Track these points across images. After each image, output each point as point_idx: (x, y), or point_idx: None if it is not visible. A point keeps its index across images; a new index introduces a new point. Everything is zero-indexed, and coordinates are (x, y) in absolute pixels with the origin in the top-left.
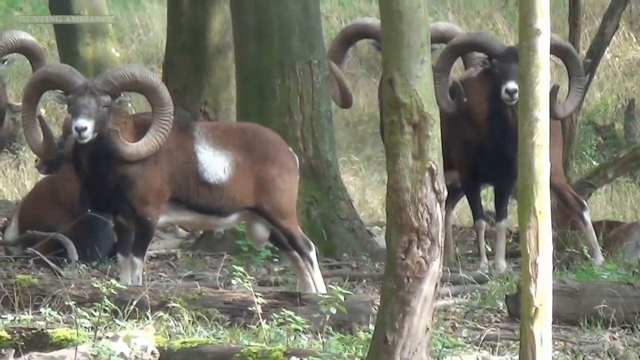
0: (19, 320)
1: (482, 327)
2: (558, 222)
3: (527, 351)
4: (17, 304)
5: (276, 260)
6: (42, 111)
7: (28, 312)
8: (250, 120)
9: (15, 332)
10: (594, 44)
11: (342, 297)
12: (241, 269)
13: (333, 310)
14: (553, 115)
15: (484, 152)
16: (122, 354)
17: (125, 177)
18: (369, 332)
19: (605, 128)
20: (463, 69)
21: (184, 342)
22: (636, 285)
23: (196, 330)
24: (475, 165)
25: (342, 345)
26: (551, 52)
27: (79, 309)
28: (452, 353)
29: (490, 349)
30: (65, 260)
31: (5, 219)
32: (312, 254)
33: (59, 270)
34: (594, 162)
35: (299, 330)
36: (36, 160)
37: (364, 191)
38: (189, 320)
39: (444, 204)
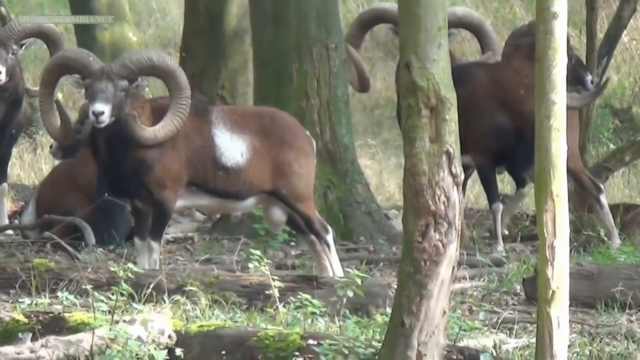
0: (36, 304)
1: (499, 310)
2: (575, 205)
3: (544, 334)
4: (34, 288)
5: (293, 243)
6: (60, 96)
7: (45, 296)
8: (268, 104)
9: (32, 316)
10: (611, 27)
11: (359, 281)
12: (258, 252)
13: (350, 294)
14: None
15: (522, 138)
16: (139, 338)
17: (142, 162)
18: (386, 316)
19: (622, 111)
20: (480, 52)
21: (201, 326)
22: None
23: (213, 313)
24: (503, 150)
25: (359, 328)
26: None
27: (96, 292)
28: (469, 336)
29: (508, 331)
30: (83, 244)
31: (23, 203)
32: (329, 238)
33: (76, 254)
34: (611, 145)
35: (316, 314)
36: (51, 146)
37: (381, 175)
38: (206, 304)
39: (461, 187)
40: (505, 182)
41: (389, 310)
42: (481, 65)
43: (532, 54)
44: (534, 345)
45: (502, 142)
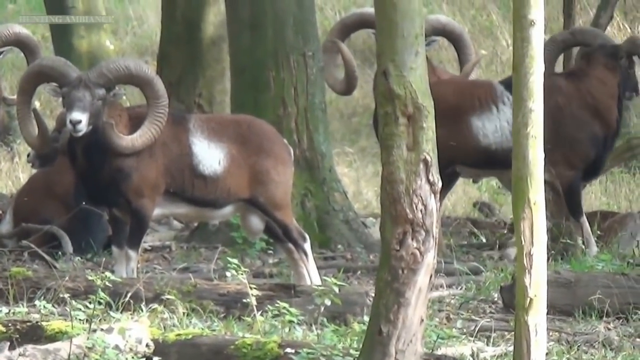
0: (13, 313)
1: (477, 318)
2: (552, 213)
3: (522, 342)
4: (11, 297)
5: (271, 252)
6: (37, 104)
7: (23, 304)
8: (245, 112)
9: (10, 324)
10: None
11: (336, 289)
12: (236, 260)
13: (327, 302)
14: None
15: (605, 145)
16: (116, 346)
17: (120, 170)
18: (364, 324)
19: None
20: (457, 60)
21: (179, 334)
22: (630, 276)
23: (191, 322)
24: (595, 159)
25: (337, 336)
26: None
27: (73, 301)
28: (446, 344)
29: (485, 339)
30: (60, 252)
31: (0, 212)
32: (307, 246)
33: (54, 262)
34: None
35: (294, 322)
36: (28, 155)
37: (359, 183)
38: (184, 313)
39: (438, 196)
40: (482, 190)
41: (366, 318)
42: (563, 76)
43: (608, 62)
44: (512, 353)
45: (597, 151)
